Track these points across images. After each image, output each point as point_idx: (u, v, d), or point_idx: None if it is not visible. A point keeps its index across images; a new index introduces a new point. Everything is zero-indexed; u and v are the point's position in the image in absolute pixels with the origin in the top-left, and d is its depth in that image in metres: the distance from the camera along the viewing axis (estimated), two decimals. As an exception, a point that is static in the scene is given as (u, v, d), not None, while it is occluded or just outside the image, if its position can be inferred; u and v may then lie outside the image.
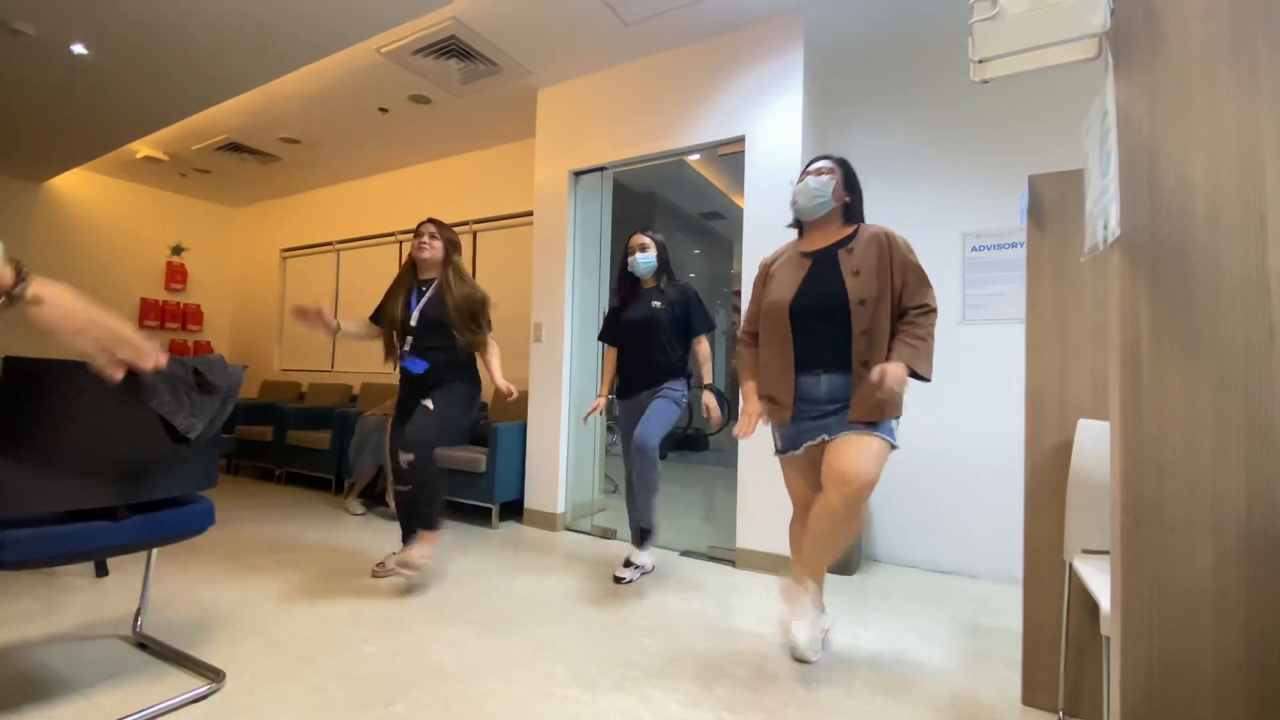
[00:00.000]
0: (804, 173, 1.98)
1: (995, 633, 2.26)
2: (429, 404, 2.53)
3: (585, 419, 2.94)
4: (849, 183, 1.95)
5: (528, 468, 3.77)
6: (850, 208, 1.95)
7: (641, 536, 2.76)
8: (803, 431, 1.89)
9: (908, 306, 1.81)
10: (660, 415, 2.59)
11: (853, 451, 1.72)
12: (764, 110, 3.05)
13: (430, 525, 2.51)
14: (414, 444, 2.44)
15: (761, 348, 1.99)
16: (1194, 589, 0.87)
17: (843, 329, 1.81)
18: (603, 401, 2.85)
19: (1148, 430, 0.90)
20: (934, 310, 1.81)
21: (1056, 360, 1.72)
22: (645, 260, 2.70)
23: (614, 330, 2.82)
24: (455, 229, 2.81)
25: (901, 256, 1.82)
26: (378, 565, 2.68)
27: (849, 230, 1.92)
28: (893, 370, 1.65)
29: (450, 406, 2.56)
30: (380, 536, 3.32)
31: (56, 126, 4.24)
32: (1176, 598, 0.87)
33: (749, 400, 1.98)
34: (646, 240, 2.72)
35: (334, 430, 4.44)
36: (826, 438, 1.82)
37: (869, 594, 2.64)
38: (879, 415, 1.75)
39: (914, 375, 1.73)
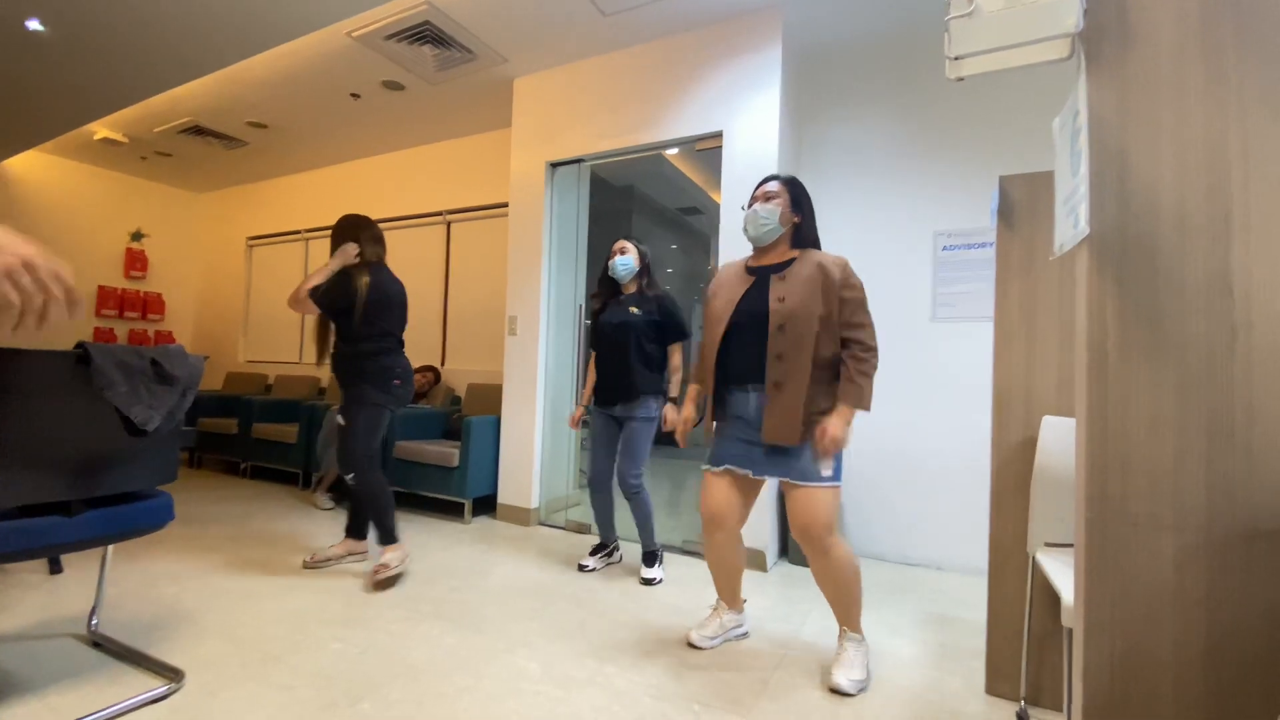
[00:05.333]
0: (753, 196, 1.97)
1: (961, 624, 2.31)
2: (341, 420, 2.57)
3: (575, 425, 2.92)
4: (797, 204, 1.94)
5: (501, 462, 3.73)
6: (799, 229, 1.95)
7: (651, 558, 2.73)
8: (729, 453, 1.93)
9: (848, 339, 1.81)
10: (640, 450, 2.66)
11: (805, 506, 1.80)
12: (742, 106, 3.05)
13: (391, 539, 2.56)
14: (348, 464, 2.54)
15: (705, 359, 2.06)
16: (1155, 582, 0.89)
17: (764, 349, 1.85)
18: (581, 411, 2.87)
19: (1112, 427, 0.91)
20: (875, 350, 1.81)
21: (1023, 358, 1.76)
22: (624, 263, 2.68)
23: (593, 335, 2.79)
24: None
25: (838, 287, 1.81)
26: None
27: (793, 254, 1.93)
28: (832, 430, 1.74)
29: (357, 418, 2.55)
30: (349, 531, 3.26)
31: (10, 106, 4.04)
32: (1138, 591, 0.89)
33: (685, 403, 2.12)
34: (627, 244, 2.72)
35: (301, 423, 4.34)
36: (752, 474, 1.90)
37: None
38: (793, 440, 1.78)
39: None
